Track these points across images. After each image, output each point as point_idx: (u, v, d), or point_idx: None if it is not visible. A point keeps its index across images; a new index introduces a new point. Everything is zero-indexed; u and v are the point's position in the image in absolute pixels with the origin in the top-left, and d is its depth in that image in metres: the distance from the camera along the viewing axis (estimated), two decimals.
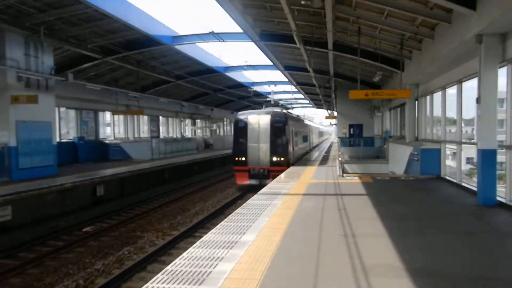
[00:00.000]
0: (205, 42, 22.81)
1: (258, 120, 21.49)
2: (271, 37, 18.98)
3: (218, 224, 8.56)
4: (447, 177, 14.95)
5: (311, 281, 5.20)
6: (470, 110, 13.54)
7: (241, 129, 21.64)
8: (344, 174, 17.21)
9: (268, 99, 46.47)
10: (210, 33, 20.68)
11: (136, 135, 33.29)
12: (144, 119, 35.33)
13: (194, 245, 6.93)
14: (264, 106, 30.33)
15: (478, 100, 10.03)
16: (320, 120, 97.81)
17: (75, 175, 17.91)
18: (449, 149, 15.50)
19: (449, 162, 15.65)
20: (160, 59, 25.96)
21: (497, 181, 10.13)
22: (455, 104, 13.93)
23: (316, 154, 32.13)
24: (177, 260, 6.11)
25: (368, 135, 31.94)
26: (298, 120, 30.99)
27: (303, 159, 26.73)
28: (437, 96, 16.44)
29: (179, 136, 41.40)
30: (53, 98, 18.70)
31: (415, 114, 19.25)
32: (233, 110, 52.74)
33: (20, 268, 9.84)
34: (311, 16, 15.07)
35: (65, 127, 26.63)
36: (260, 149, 21.22)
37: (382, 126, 31.65)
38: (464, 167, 14.33)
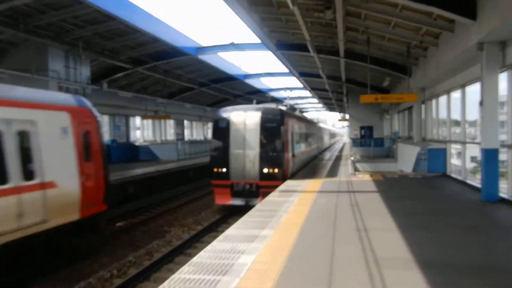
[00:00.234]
0: (226, 52, 22.94)
1: (244, 119, 15.09)
2: (287, 46, 18.98)
3: (239, 219, 8.65)
4: (453, 175, 14.75)
5: (327, 272, 5.23)
6: (473, 112, 13.37)
7: (221, 131, 15.20)
8: (356, 172, 17.11)
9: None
10: (230, 44, 20.83)
11: (163, 138, 33.68)
12: (171, 123, 35.69)
13: (217, 238, 7.01)
14: (254, 102, 20.51)
15: (481, 103, 9.93)
16: (332, 122, 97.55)
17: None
18: (454, 148, 15.32)
19: (454, 161, 15.44)
20: (185, 68, 26.21)
21: (500, 178, 10.01)
22: (459, 106, 13.78)
23: (327, 157, 30.60)
24: (201, 253, 6.19)
25: (378, 136, 31.68)
26: (301, 119, 23.52)
27: (309, 166, 21.40)
28: (442, 99, 16.27)
29: (202, 138, 41.66)
30: None
31: (422, 116, 19.08)
32: None
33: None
34: (323, 27, 15.05)
35: None
36: (246, 157, 14.77)
37: (391, 127, 31.38)
38: (469, 165, 14.13)
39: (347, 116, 41.41)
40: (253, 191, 14.54)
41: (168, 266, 9.69)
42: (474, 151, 13.69)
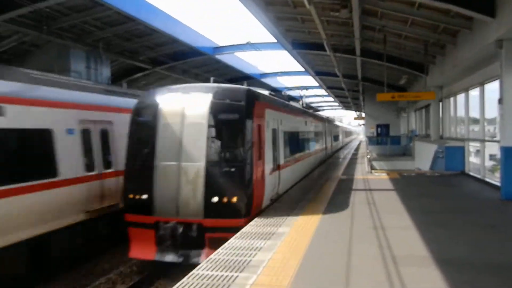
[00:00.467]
0: (242, 52, 22.96)
1: (183, 108, 8.68)
2: (303, 45, 18.91)
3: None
4: (471, 173, 14.51)
5: (344, 269, 5.20)
6: (492, 110, 13.13)
7: (143, 128, 8.96)
8: (373, 171, 16.97)
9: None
10: (246, 43, 20.85)
11: None
12: None
13: (235, 236, 7.02)
14: (212, 80, 10.62)
15: (500, 101, 9.76)
16: (348, 120, 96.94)
17: None
18: (472, 146, 15.07)
19: (473, 159, 15.19)
20: (202, 67, 26.32)
21: None
22: (477, 104, 13.54)
23: (340, 157, 27.87)
24: (219, 250, 6.22)
25: (394, 134, 31.39)
26: (293, 109, 15.46)
27: (308, 180, 14.50)
28: (460, 97, 16.02)
29: None
30: None
31: (440, 114, 18.82)
32: None
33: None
34: (339, 26, 14.95)
35: None
36: (182, 175, 8.32)
37: (408, 125, 31.05)
38: (487, 163, 13.89)
39: (363, 114, 41.13)
40: (193, 238, 8.08)
41: None
42: (492, 149, 13.46)
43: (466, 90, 14.79)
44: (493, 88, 12.22)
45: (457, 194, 11.12)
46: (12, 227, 7.49)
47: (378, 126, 32.56)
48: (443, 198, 10.55)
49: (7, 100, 7.57)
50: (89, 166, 9.72)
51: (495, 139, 14.18)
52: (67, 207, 8.88)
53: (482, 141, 13.36)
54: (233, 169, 8.28)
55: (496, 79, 11.14)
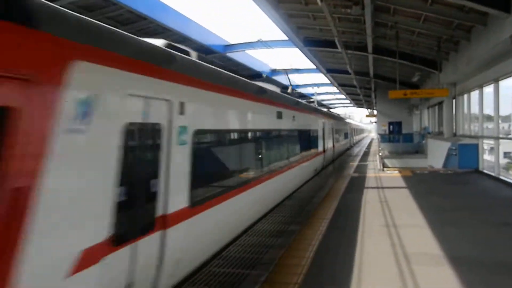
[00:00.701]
0: (253, 49, 22.93)
1: None
2: (314, 43, 18.82)
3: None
4: (485, 171, 14.30)
5: (356, 268, 5.17)
6: (506, 107, 12.92)
7: None
8: (385, 168, 16.84)
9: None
10: (258, 41, 20.81)
11: None
12: None
13: (246, 233, 7.04)
14: None
15: None
16: (360, 118, 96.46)
17: None
18: (486, 144, 14.85)
19: (487, 157, 14.98)
20: (213, 65, 26.34)
21: None
22: (491, 101, 13.33)
23: (350, 157, 27.56)
24: (231, 247, 6.23)
25: (407, 131, 31.11)
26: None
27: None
28: (474, 94, 15.79)
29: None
30: None
31: (453, 112, 18.59)
32: None
33: None
34: (351, 23, 14.84)
35: None
36: None
37: (421, 123, 30.74)
38: (502, 161, 13.68)
39: (375, 112, 40.84)
40: None
41: None
42: (507, 146, 13.26)
43: (480, 86, 14.57)
44: (507, 85, 12.03)
45: (471, 192, 10.98)
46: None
47: (390, 123, 32.29)
48: (456, 196, 10.41)
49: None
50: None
51: (509, 136, 13.97)
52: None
53: (497, 138, 13.15)
54: None
55: (511, 76, 10.96)
